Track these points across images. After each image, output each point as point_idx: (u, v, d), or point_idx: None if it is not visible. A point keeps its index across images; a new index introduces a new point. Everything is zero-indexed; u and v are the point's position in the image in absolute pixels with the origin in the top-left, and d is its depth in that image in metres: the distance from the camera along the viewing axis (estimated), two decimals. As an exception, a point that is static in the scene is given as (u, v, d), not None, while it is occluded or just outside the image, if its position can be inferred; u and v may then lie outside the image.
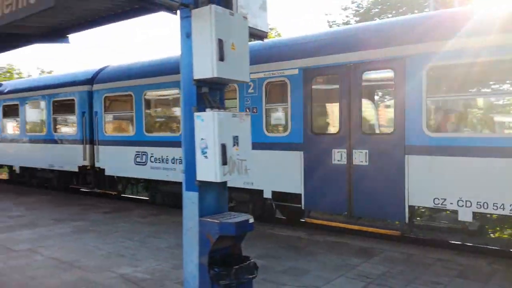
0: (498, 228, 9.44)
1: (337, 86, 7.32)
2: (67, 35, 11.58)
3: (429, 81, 6.25)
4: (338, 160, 7.11)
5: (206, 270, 3.95)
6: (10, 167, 14.83)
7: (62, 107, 12.41)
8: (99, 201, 11.09)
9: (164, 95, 10.37)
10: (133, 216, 9.12)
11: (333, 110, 7.91)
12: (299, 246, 6.66)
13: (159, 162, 9.77)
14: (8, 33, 10.90)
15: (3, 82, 16.69)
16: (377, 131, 7.99)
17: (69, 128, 12.48)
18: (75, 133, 11.89)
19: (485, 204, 5.78)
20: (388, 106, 7.72)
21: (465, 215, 5.97)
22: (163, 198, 10.46)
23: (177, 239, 7.07)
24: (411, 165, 6.38)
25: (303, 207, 7.55)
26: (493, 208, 5.74)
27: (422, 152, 6.29)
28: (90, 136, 11.46)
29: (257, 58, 7.72)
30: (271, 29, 25.95)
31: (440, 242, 7.78)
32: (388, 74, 7.05)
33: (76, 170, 11.81)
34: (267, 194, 8.04)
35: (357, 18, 25.70)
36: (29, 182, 14.22)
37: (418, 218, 7.18)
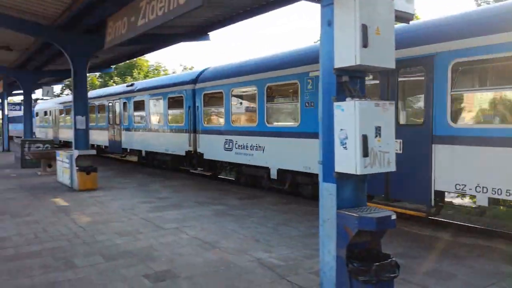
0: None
1: (377, 82, 7.93)
2: (208, 33, 12.47)
3: (453, 76, 6.69)
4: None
5: (344, 263, 3.87)
6: (140, 151, 17.76)
7: (175, 103, 14.85)
8: (234, 187, 11.75)
9: (245, 92, 11.90)
10: (265, 203, 9.43)
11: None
12: (440, 246, 6.14)
13: (242, 149, 11.39)
14: (156, 34, 12.13)
15: (134, 82, 19.92)
16: (410, 123, 8.24)
17: (179, 119, 14.75)
18: (183, 124, 14.17)
19: (499, 190, 6.08)
20: (419, 100, 8.09)
21: (481, 200, 6.38)
22: (246, 179, 12.23)
23: (308, 228, 7.14)
24: (437, 154, 6.89)
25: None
26: (506, 195, 6.02)
27: (446, 142, 6.78)
28: (193, 127, 13.62)
29: (309, 60, 9.10)
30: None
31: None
32: (419, 70, 7.48)
33: (184, 154, 14.09)
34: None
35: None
36: (151, 164, 17.20)
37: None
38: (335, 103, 3.74)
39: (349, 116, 3.61)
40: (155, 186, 11.91)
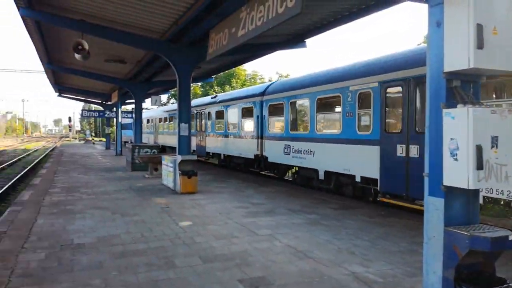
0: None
1: (400, 95, 9.23)
2: (305, 40, 12.49)
3: None
4: (400, 152, 9.04)
5: (451, 286, 3.53)
6: (219, 155, 20.40)
7: (247, 112, 17.00)
8: (328, 197, 11.51)
9: (300, 103, 13.40)
10: (360, 214, 9.08)
11: (399, 113, 9.52)
12: None
13: (297, 153, 13.04)
14: (254, 44, 12.44)
15: (217, 95, 22.55)
16: (423, 131, 8.29)
17: (249, 127, 16.81)
18: (252, 131, 16.14)
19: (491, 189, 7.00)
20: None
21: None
22: (301, 179, 13.93)
23: (409, 244, 6.69)
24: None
25: (379, 189, 9.69)
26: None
27: None
28: (260, 133, 15.55)
29: (348, 77, 10.90)
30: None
31: None
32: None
33: (253, 157, 16.07)
34: (358, 178, 10.42)
35: None
36: (229, 166, 19.73)
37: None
38: (445, 110, 3.44)
39: (460, 125, 3.30)
40: (249, 192, 12.16)
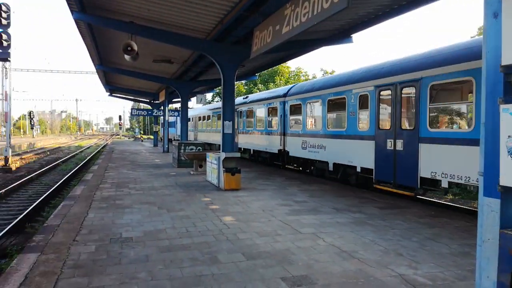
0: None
1: (389, 97, 10.87)
2: (351, 35, 12.25)
3: (430, 93, 9.45)
4: (390, 146, 10.68)
5: (507, 292, 3.31)
6: (249, 150, 22.42)
7: (272, 111, 18.86)
8: (374, 196, 11.23)
9: (314, 104, 15.06)
10: (409, 214, 8.78)
11: (388, 113, 11.04)
12: None
13: (312, 147, 14.90)
14: (299, 40, 12.34)
15: (249, 95, 24.29)
16: (407, 128, 10.42)
17: (273, 125, 18.66)
18: (276, 128, 18.05)
19: (456, 176, 8.74)
20: (411, 111, 10.30)
21: (444, 183, 9.11)
22: (316, 171, 15.63)
23: (461, 246, 6.39)
24: (422, 150, 9.61)
25: (374, 177, 11.30)
26: (457, 180, 8.73)
27: (427, 141, 9.46)
28: (283, 130, 17.47)
29: (351, 81, 12.56)
30: None
31: None
32: (412, 89, 10.13)
33: (276, 152, 18.01)
34: (358, 169, 12.12)
35: None
36: (257, 160, 21.76)
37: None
38: (502, 106, 3.22)
39: (519, 121, 3.08)
40: (293, 190, 12.08)
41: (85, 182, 13.80)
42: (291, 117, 16.82)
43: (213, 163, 13.18)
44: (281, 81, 47.82)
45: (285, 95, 17.47)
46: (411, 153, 9.87)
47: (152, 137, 55.19)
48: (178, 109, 37.45)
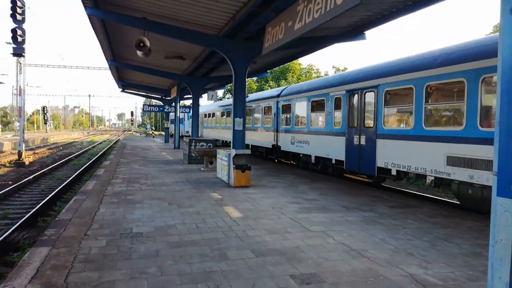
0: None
1: (356, 100, 12.80)
2: (364, 32, 12.13)
3: (385, 97, 11.41)
4: (356, 141, 12.57)
5: (519, 293, 3.26)
6: (247, 145, 23.19)
7: (268, 110, 20.74)
8: (386, 194, 11.16)
9: (301, 103, 16.90)
10: (420, 214, 8.69)
11: (356, 113, 12.86)
12: None
13: (298, 143, 16.87)
14: (311, 37, 12.27)
15: (249, 95, 25.34)
16: (368, 126, 12.20)
17: (268, 123, 20.56)
18: (271, 125, 20.01)
19: (401, 165, 10.70)
20: (371, 112, 12.03)
21: (393, 172, 11.01)
22: (302, 164, 17.41)
23: (472, 246, 6.31)
24: (379, 145, 11.55)
25: (345, 167, 13.31)
26: (404, 169, 10.62)
27: (382, 137, 11.44)
28: (276, 127, 19.38)
29: (329, 85, 14.67)
30: None
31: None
32: (372, 94, 12.01)
33: (270, 147, 20.04)
34: (333, 161, 14.18)
35: None
36: (255, 154, 22.98)
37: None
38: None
39: (534, 120, 3.03)
40: (303, 188, 12.05)
41: (97, 177, 13.93)
42: (283, 116, 18.83)
43: (223, 160, 13.20)
44: (293, 78, 47.66)
45: (278, 95, 19.45)
46: (371, 147, 11.87)
47: (163, 133, 55.49)
48: (186, 105, 37.65)
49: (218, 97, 36.02)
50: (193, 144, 18.51)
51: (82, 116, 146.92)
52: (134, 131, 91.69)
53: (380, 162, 11.50)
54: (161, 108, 37.36)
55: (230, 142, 27.21)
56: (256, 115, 22.60)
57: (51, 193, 13.34)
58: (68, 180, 15.83)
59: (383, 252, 5.96)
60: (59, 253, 5.68)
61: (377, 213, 8.71)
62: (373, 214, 8.56)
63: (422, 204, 9.90)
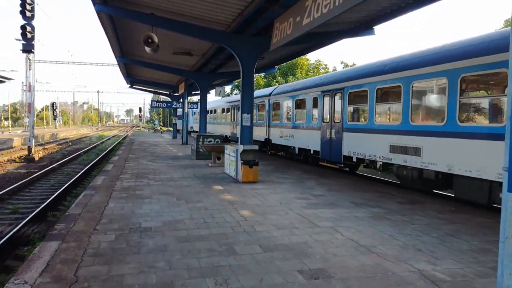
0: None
1: (328, 99, 15.08)
2: (373, 27, 12.04)
3: (348, 97, 13.73)
4: (328, 134, 14.84)
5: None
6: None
7: (261, 107, 23.37)
8: (394, 190, 11.11)
9: (287, 102, 19.35)
10: (429, 210, 8.65)
11: (328, 110, 15.10)
12: None
13: (285, 136, 19.24)
14: (319, 32, 12.21)
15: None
16: (337, 121, 14.38)
17: (262, 118, 22.96)
18: (264, 121, 22.42)
19: (359, 153, 12.83)
20: (339, 110, 14.28)
21: (354, 159, 13.27)
22: (289, 155, 19.76)
23: (482, 243, 6.27)
24: (344, 137, 13.75)
25: (320, 157, 15.57)
26: (362, 156, 12.75)
27: (347, 131, 13.63)
28: (268, 123, 21.75)
29: (309, 87, 17.02)
30: None
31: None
32: (340, 95, 14.34)
33: (263, 140, 22.34)
34: (312, 151, 16.35)
35: None
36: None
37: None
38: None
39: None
40: (311, 183, 12.03)
41: (105, 172, 14.03)
42: (273, 113, 21.25)
43: (231, 156, 13.22)
44: (301, 74, 47.51)
45: (269, 94, 21.81)
46: (339, 139, 14.06)
47: (171, 129, 55.69)
48: (194, 101, 37.79)
49: (226, 93, 36.10)
50: (201, 139, 18.56)
51: (91, 112, 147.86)
52: (142, 127, 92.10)
53: (345, 151, 13.66)
54: (169, 104, 37.47)
55: (229, 136, 28.59)
56: (258, 113, 24.62)
57: (60, 188, 13.47)
58: (77, 175, 15.97)
59: (392, 248, 5.94)
60: (69, 247, 5.74)
61: (385, 209, 8.68)
62: (381, 210, 8.53)
63: (430, 200, 9.85)
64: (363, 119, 13.15)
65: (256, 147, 12.62)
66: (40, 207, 10.55)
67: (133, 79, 32.82)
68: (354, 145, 13.11)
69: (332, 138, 14.52)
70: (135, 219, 7.42)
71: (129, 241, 6.09)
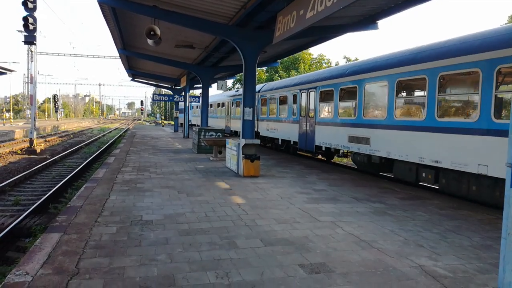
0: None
1: (305, 96, 17.15)
2: (377, 21, 11.96)
3: (320, 95, 15.86)
4: (304, 127, 17.01)
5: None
6: (236, 132, 28.03)
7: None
8: (396, 186, 11.10)
9: (273, 98, 21.29)
10: (430, 206, 8.64)
11: (305, 106, 17.22)
12: None
13: (271, 129, 21.27)
14: (323, 26, 12.13)
15: (238, 89, 29.32)
16: (311, 116, 16.48)
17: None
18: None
19: (327, 143, 14.96)
20: (313, 106, 16.34)
21: (323, 148, 15.39)
22: (275, 146, 21.91)
23: (483, 239, 6.27)
24: (317, 129, 15.80)
25: (298, 147, 17.92)
26: (328, 145, 14.95)
27: (318, 124, 15.72)
28: (257, 117, 22.66)
29: (290, 85, 19.23)
30: None
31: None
32: (313, 93, 16.44)
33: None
34: (292, 142, 18.67)
35: None
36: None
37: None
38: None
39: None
40: (312, 178, 12.03)
41: (107, 165, 14.04)
42: (261, 107, 23.08)
43: (232, 150, 13.21)
44: (304, 68, 47.37)
45: (258, 91, 23.23)
46: (313, 131, 16.12)
47: (172, 122, 55.69)
48: (195, 95, 37.73)
49: (228, 87, 36.10)
50: (202, 133, 18.55)
51: (93, 105, 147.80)
52: (143, 120, 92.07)
53: (317, 142, 15.78)
54: (170, 98, 37.45)
55: (223, 129, 30.95)
56: (240, 107, 26.51)
57: (62, 180, 13.49)
58: (79, 168, 15.98)
59: (393, 244, 5.93)
60: (70, 239, 5.75)
61: (387, 204, 8.68)
62: (382, 206, 8.52)
63: (432, 196, 9.83)
64: (330, 114, 15.03)
65: (258, 141, 12.61)
66: (42, 199, 10.57)
67: (135, 72, 32.75)
68: (324, 136, 15.25)
69: (307, 130, 16.63)
70: (136, 212, 7.42)
71: (130, 233, 6.09)
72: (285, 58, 41.38)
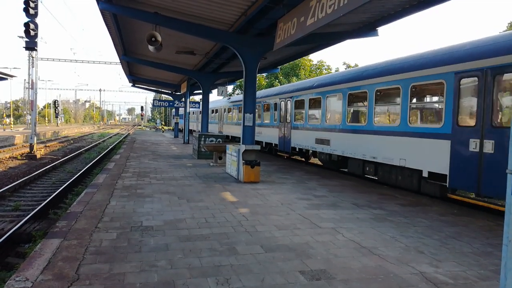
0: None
1: (289, 104, 19.22)
2: (377, 28, 12.02)
3: (295, 104, 18.34)
4: (283, 131, 19.66)
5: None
6: (228, 136, 30.24)
7: (240, 109, 24.97)
8: (396, 192, 11.09)
9: (267, 104, 22.30)
10: (430, 212, 8.63)
11: (283, 113, 19.88)
12: None
13: (259, 133, 22.42)
14: (323, 33, 12.18)
15: (231, 97, 31.70)
16: (288, 121, 18.80)
17: (240, 118, 25.68)
18: (242, 120, 25.06)
19: (300, 145, 17.53)
20: (289, 113, 19.00)
21: (298, 149, 18.02)
22: (261, 148, 21.68)
23: (483, 246, 6.26)
24: (292, 133, 18.30)
25: (278, 148, 20.37)
26: (302, 147, 17.41)
27: (294, 128, 18.16)
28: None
29: (271, 95, 21.94)
30: None
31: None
32: (289, 102, 19.34)
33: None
34: (274, 145, 21.20)
35: None
36: (235, 140, 28.23)
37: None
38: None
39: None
40: (312, 184, 12.02)
41: (107, 170, 14.03)
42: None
43: (232, 155, 13.21)
44: (304, 75, 47.48)
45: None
46: (289, 135, 18.44)
47: (172, 128, 55.74)
48: (194, 100, 37.82)
49: (228, 93, 36.25)
50: (203, 139, 18.56)
51: (93, 110, 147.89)
52: (143, 126, 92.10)
53: (293, 144, 18.08)
54: (171, 103, 37.46)
55: (223, 135, 32.13)
56: (233, 113, 29.50)
57: (62, 185, 13.48)
58: (79, 173, 15.97)
59: (394, 250, 5.92)
60: (70, 245, 5.74)
61: (387, 210, 8.67)
62: (383, 212, 8.51)
63: (432, 202, 9.83)
64: (302, 120, 17.45)
65: (258, 147, 12.61)
66: (42, 205, 10.55)
67: (135, 78, 32.83)
68: (297, 139, 17.62)
69: (285, 134, 19.02)
70: (136, 218, 7.41)
71: (130, 239, 6.08)
72: (285, 64, 41.50)
